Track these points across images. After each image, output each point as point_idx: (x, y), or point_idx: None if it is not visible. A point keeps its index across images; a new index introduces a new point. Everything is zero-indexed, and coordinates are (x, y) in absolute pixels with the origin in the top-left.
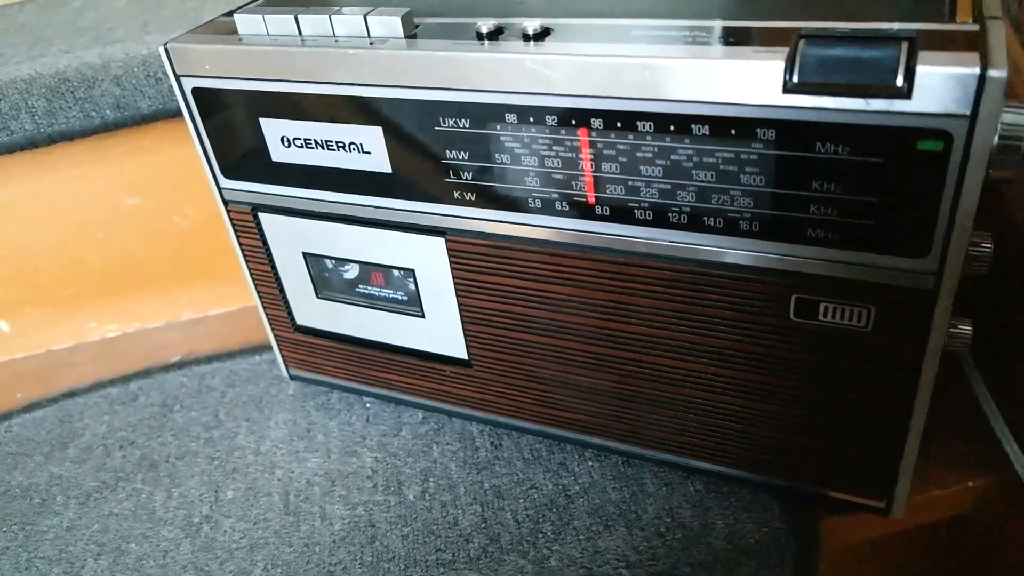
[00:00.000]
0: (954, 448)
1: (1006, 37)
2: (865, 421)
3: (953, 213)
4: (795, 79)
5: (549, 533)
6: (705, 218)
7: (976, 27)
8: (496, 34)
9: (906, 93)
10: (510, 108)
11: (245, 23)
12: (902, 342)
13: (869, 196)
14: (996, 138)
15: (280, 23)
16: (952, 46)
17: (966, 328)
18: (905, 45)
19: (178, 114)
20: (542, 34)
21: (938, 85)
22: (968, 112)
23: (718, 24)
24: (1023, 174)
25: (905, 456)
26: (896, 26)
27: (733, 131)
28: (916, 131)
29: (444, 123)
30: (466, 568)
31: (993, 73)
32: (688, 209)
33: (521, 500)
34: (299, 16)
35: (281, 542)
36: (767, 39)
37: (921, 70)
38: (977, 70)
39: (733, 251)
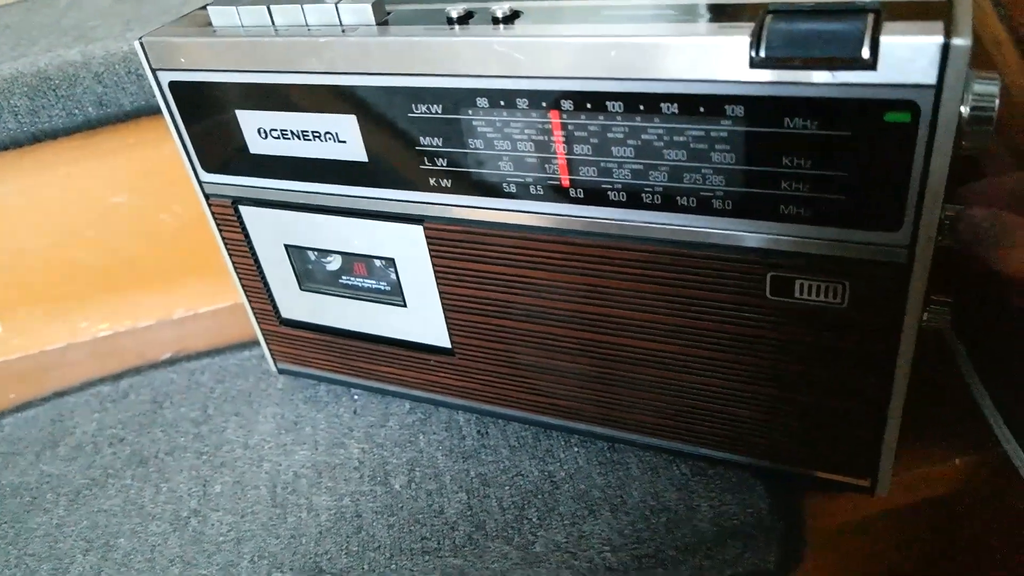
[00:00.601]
0: (941, 426)
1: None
2: (845, 399)
3: (923, 185)
4: (762, 54)
5: (534, 519)
6: (678, 198)
7: None
8: (466, 18)
9: (871, 64)
10: (481, 92)
11: (219, 15)
12: (878, 317)
13: (839, 170)
14: (967, 109)
15: (253, 14)
16: (917, 16)
17: (945, 304)
18: (871, 17)
19: (161, 110)
20: (511, 17)
21: (903, 55)
22: (933, 82)
23: (686, 2)
24: (997, 146)
25: (887, 433)
26: None
27: (702, 109)
28: (883, 103)
29: (417, 109)
30: (451, 556)
31: (957, 42)
32: (661, 189)
33: (507, 487)
34: (271, 6)
35: (268, 534)
36: (734, 15)
37: (885, 41)
38: (941, 39)
39: (707, 230)
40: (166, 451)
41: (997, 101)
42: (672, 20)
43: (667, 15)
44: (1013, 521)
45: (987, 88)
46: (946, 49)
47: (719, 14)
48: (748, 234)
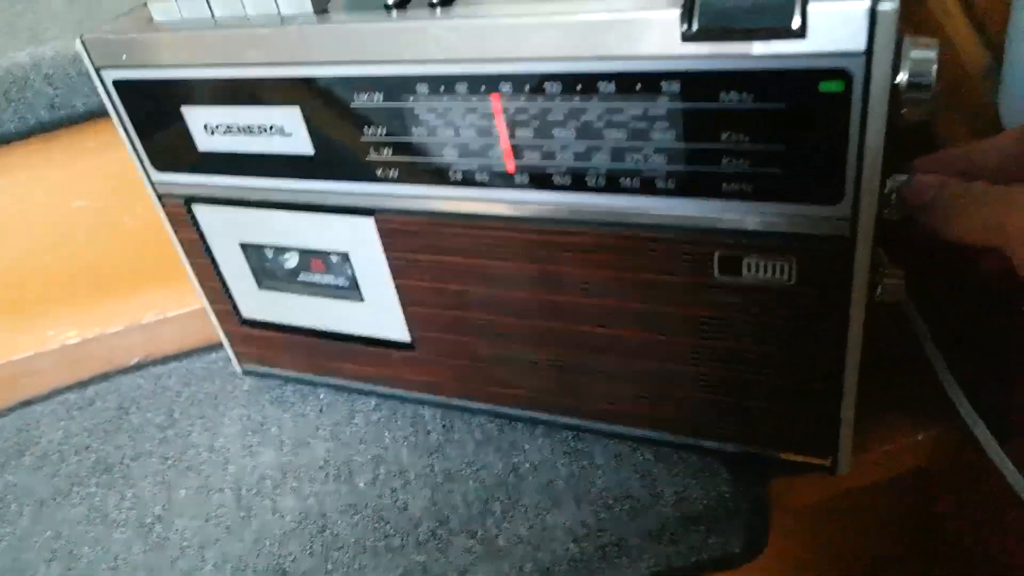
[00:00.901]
0: (904, 402)
1: None
2: (799, 377)
3: (861, 156)
4: (693, 27)
5: (498, 513)
6: (621, 179)
7: None
8: (403, 3)
9: (801, 33)
10: (420, 78)
11: (159, 9)
12: (825, 293)
13: (777, 144)
14: (905, 76)
15: (192, 6)
16: None
17: (897, 278)
18: None
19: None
20: (447, 1)
21: (832, 23)
22: (863, 49)
23: None
24: (940, 113)
25: (844, 411)
26: None
27: (638, 86)
28: (815, 72)
29: (358, 98)
30: (415, 552)
31: (884, 6)
32: (604, 171)
33: (471, 481)
34: None
35: (232, 538)
36: None
37: (813, 8)
38: (868, 4)
39: (652, 211)
40: (131, 457)
41: (935, 67)
42: None
43: None
44: (979, 497)
45: (924, 54)
46: (873, 14)
47: None
48: (692, 214)
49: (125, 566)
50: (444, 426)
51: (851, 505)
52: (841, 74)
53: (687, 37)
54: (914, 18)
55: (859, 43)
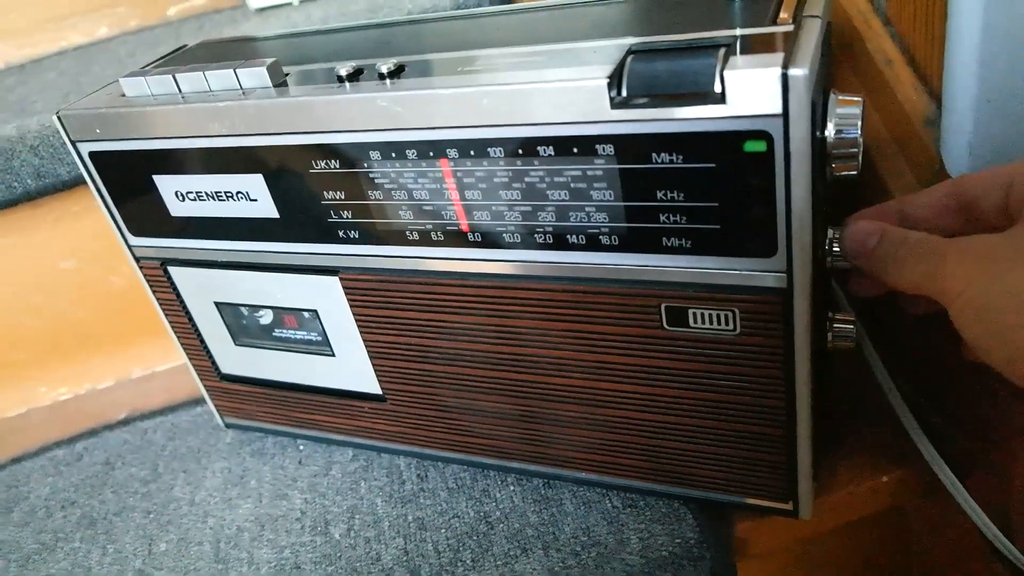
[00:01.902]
0: (866, 444)
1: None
2: (753, 424)
3: (789, 211)
4: (622, 94)
5: (468, 561)
6: (568, 236)
7: (792, 27)
8: (356, 75)
9: (722, 98)
10: (372, 146)
11: (130, 86)
12: (768, 342)
13: (710, 201)
14: (832, 132)
15: (160, 83)
16: (764, 48)
17: (848, 324)
18: (721, 51)
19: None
20: (396, 71)
21: (749, 88)
22: (779, 111)
23: (553, 48)
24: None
25: (800, 455)
26: (722, 33)
27: (575, 149)
28: (738, 134)
29: (317, 165)
30: None
31: (795, 71)
32: (551, 229)
33: (443, 530)
34: (176, 74)
35: None
36: (601, 58)
37: (730, 75)
38: (779, 70)
39: (599, 265)
40: (115, 512)
41: (860, 123)
42: (544, 66)
43: (536, 62)
44: (944, 538)
45: (848, 111)
46: (786, 79)
47: (587, 57)
48: (638, 267)
49: None
50: (419, 475)
51: (817, 549)
52: (762, 135)
53: (616, 104)
54: (856, 67)
55: (775, 106)
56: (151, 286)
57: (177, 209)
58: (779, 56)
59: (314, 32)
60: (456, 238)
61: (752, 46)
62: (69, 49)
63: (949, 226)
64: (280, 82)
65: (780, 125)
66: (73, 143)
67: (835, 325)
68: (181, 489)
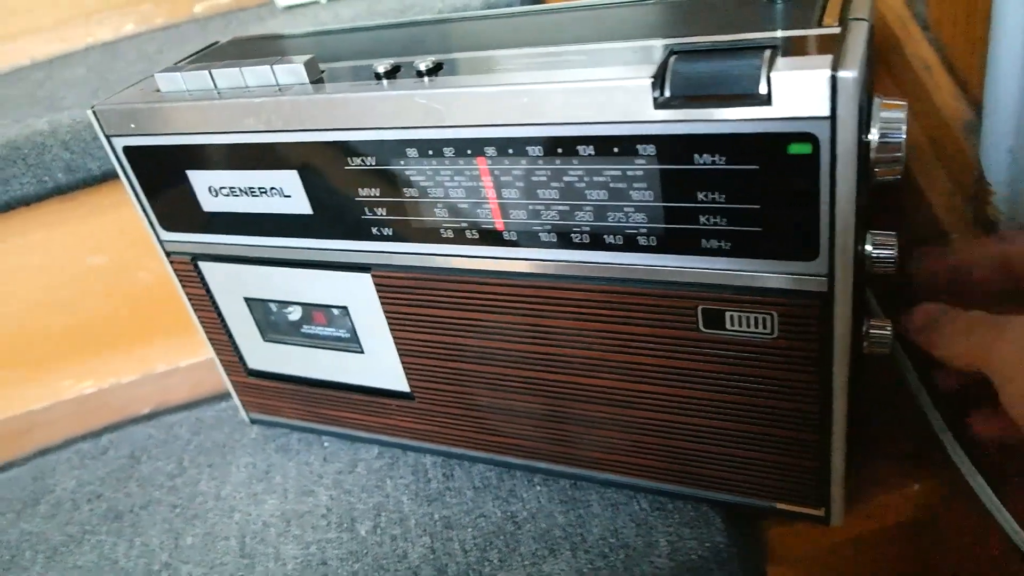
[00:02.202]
0: (899, 451)
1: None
2: (787, 428)
3: (833, 214)
4: (665, 94)
5: (495, 561)
6: (605, 236)
7: (839, 30)
8: (393, 73)
9: (767, 100)
10: (409, 143)
11: (165, 81)
12: (807, 346)
13: (752, 203)
14: (876, 136)
15: (196, 78)
16: (811, 50)
17: (884, 329)
18: (767, 53)
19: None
20: (434, 69)
21: (796, 90)
22: (827, 113)
23: (595, 47)
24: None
25: (833, 462)
26: (765, 35)
27: (616, 149)
28: (783, 136)
29: (352, 162)
30: None
31: (844, 74)
32: (588, 229)
33: (469, 529)
34: (212, 70)
35: None
36: (643, 58)
37: (777, 76)
38: (828, 72)
39: (636, 266)
40: (141, 505)
41: (904, 127)
42: (584, 65)
43: (579, 60)
44: (977, 548)
45: (893, 115)
46: (834, 81)
47: (628, 57)
48: (676, 268)
49: None
50: (445, 474)
51: (846, 555)
52: (808, 137)
53: (659, 104)
54: (894, 73)
55: (823, 108)
56: (181, 281)
57: (210, 204)
58: (827, 59)
59: (345, 30)
60: (491, 237)
61: (798, 48)
62: (96, 46)
63: (1000, 283)
64: (317, 78)
65: (827, 128)
66: (107, 138)
67: (871, 331)
68: (207, 483)
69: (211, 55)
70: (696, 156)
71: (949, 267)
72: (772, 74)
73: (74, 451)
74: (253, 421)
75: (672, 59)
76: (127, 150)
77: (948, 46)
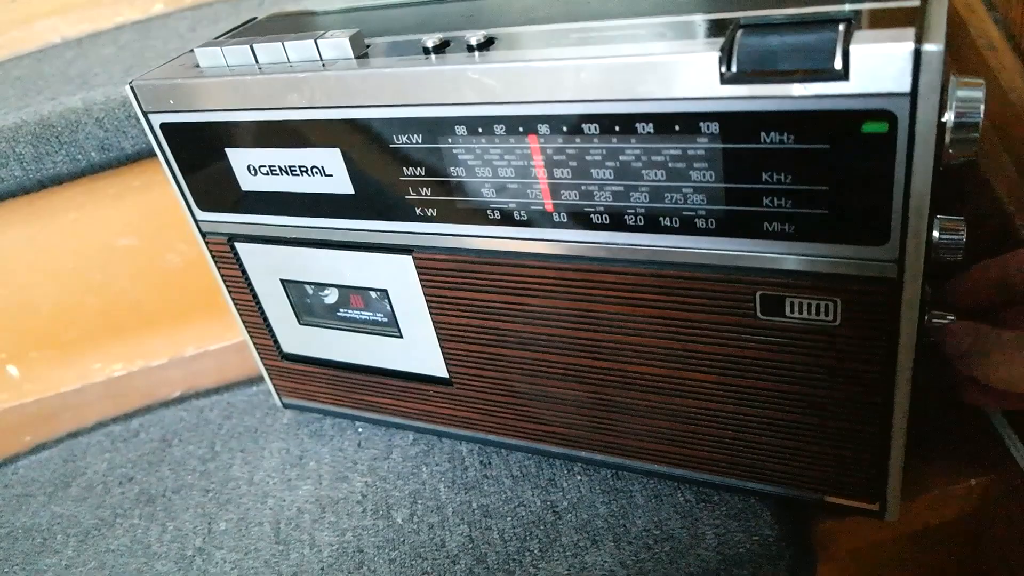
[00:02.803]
0: (955, 446)
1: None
2: (846, 420)
3: (907, 197)
4: (732, 69)
5: (536, 551)
6: (661, 218)
7: (917, 2)
8: (442, 47)
9: (844, 75)
10: (459, 120)
11: (205, 56)
12: (872, 334)
13: (820, 184)
14: (951, 116)
15: (237, 53)
16: (890, 24)
17: (946, 319)
18: (842, 27)
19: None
20: (486, 44)
21: (875, 64)
22: (908, 90)
23: (655, 20)
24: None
25: (892, 455)
26: (836, 8)
27: (677, 127)
28: (859, 113)
29: (398, 140)
30: None
31: (929, 47)
32: (643, 210)
33: (509, 518)
34: (254, 45)
35: (270, 571)
36: (706, 31)
37: (856, 50)
38: (912, 46)
39: (692, 250)
40: (173, 489)
41: (982, 107)
42: (643, 39)
43: (638, 35)
44: None
45: (970, 94)
46: (918, 55)
47: (690, 31)
48: (734, 252)
49: None
50: (482, 462)
51: (898, 550)
52: (885, 115)
53: (726, 79)
54: (958, 53)
55: (904, 84)
56: (216, 263)
57: (248, 183)
58: (910, 31)
59: (386, 6)
60: (539, 218)
61: (875, 20)
62: (126, 25)
63: None
64: (361, 54)
65: (906, 105)
66: (145, 114)
67: (933, 320)
68: (239, 468)
69: (250, 31)
70: (763, 134)
71: (992, 281)
72: (851, 47)
73: (105, 434)
74: (286, 406)
75: (740, 32)
76: (165, 127)
77: (1014, 25)
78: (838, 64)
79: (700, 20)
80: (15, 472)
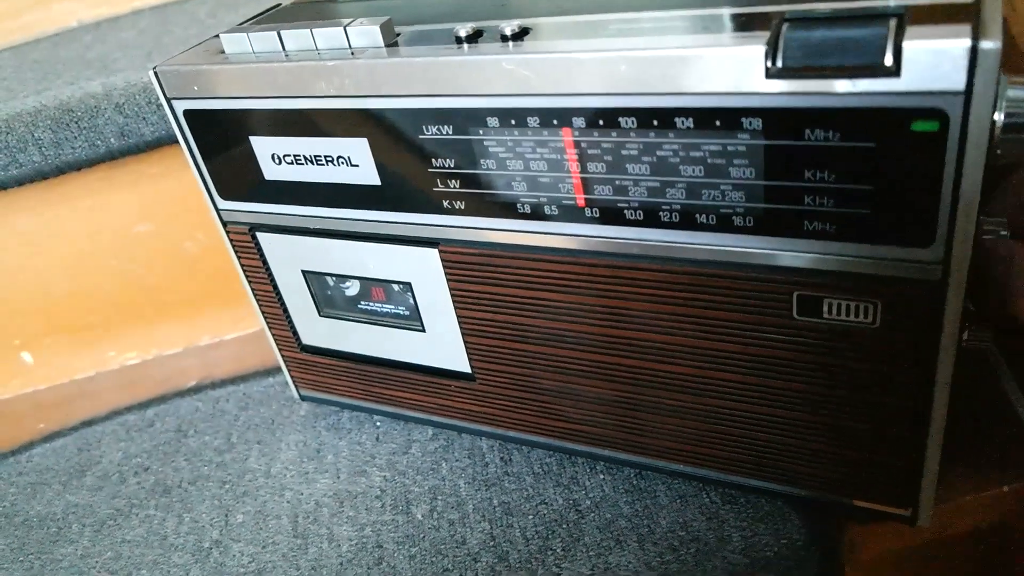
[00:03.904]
0: (987, 451)
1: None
2: (881, 423)
3: (956, 198)
4: (778, 64)
5: (558, 550)
6: (697, 215)
7: None
8: (475, 37)
9: (895, 71)
10: (491, 111)
11: (231, 42)
12: (913, 338)
13: (865, 184)
14: (1001, 116)
15: (264, 40)
16: (943, 19)
17: (986, 321)
18: (893, 22)
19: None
20: (520, 34)
21: (928, 61)
22: (962, 88)
23: (695, 12)
24: None
25: (927, 460)
26: (882, 3)
27: (718, 122)
28: (909, 111)
29: (427, 131)
30: None
31: (986, 44)
32: (679, 207)
33: (530, 516)
34: (281, 32)
35: (289, 565)
36: (749, 24)
37: (909, 46)
38: (968, 42)
39: (728, 248)
40: (189, 480)
41: None
42: (684, 32)
43: (679, 27)
44: None
45: (1021, 93)
46: (974, 52)
47: (733, 23)
48: (772, 252)
49: None
50: (502, 458)
51: (928, 557)
52: (937, 114)
53: (772, 74)
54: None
55: (958, 82)
56: (237, 252)
57: (272, 173)
58: (966, 27)
59: None
60: (570, 213)
61: (926, 16)
62: (143, 9)
63: None
64: (392, 42)
65: (959, 104)
66: (169, 100)
67: (970, 324)
68: (256, 460)
69: (275, 17)
70: (807, 131)
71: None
72: (904, 43)
73: (119, 423)
74: (303, 398)
75: (785, 26)
76: (188, 114)
77: None
78: (888, 60)
79: (742, 13)
80: (29, 460)
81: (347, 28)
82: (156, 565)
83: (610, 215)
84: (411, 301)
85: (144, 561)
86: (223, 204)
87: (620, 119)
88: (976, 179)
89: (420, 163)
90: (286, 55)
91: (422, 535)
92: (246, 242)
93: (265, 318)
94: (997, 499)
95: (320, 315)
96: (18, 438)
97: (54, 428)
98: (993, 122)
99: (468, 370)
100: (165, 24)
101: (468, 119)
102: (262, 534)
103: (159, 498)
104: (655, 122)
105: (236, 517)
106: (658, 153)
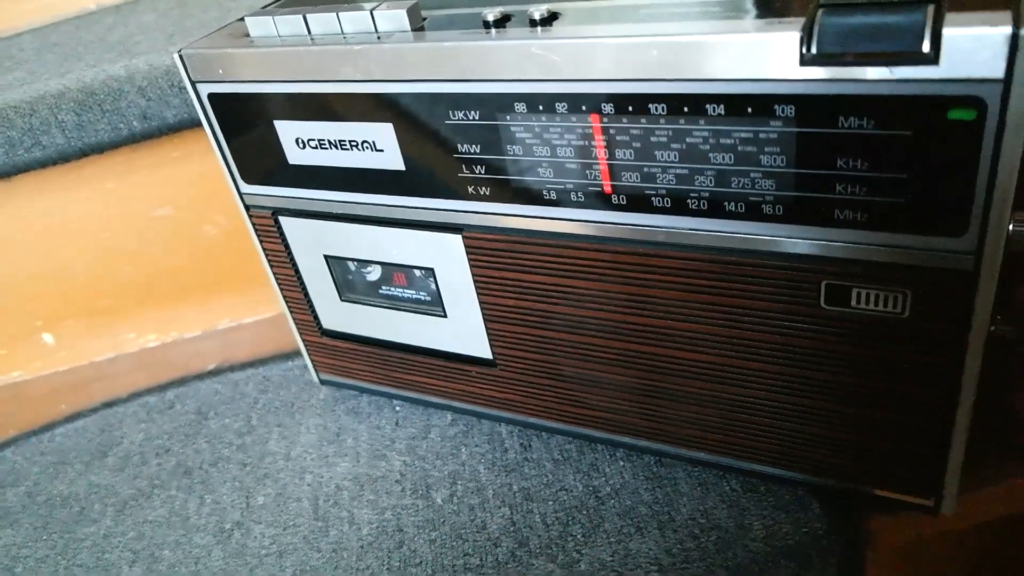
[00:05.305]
0: (1011, 442)
1: None
2: (907, 414)
3: (991, 187)
4: (813, 50)
5: (579, 536)
6: (726, 203)
7: None
8: (503, 21)
9: (932, 59)
10: (519, 97)
11: (256, 25)
12: (942, 328)
13: (899, 172)
14: None
15: (289, 23)
16: (982, 5)
17: (1017, 312)
18: (931, 8)
19: (201, 122)
20: (549, 19)
21: (967, 48)
22: (1001, 76)
23: None
24: None
25: (952, 450)
26: None
27: (750, 109)
28: (946, 99)
29: (454, 116)
30: (494, 572)
31: None
32: (707, 194)
33: (550, 502)
34: (307, 15)
35: (310, 548)
36: (783, 10)
37: (948, 33)
38: (1009, 29)
39: (757, 237)
40: (210, 462)
41: None
42: (716, 17)
43: (711, 12)
44: None
45: None
46: (1015, 40)
47: (766, 9)
48: (801, 240)
49: (206, 571)
50: (522, 444)
51: (950, 547)
52: (974, 102)
53: (806, 61)
54: None
55: (997, 70)
56: (259, 236)
57: (296, 157)
58: (1007, 14)
59: None
60: (597, 200)
61: (966, 2)
62: None
63: None
64: (418, 26)
65: (998, 92)
66: (193, 83)
67: (998, 315)
68: (276, 443)
69: (299, 0)
70: (841, 119)
71: None
72: (944, 30)
73: (140, 404)
74: (323, 382)
75: (820, 11)
76: (213, 97)
77: None
78: (926, 47)
79: None
80: (52, 440)
81: (373, 12)
82: (178, 545)
83: (637, 202)
84: (433, 287)
85: (166, 541)
86: (246, 188)
87: (650, 105)
88: (1013, 168)
89: (445, 149)
90: (312, 39)
91: (442, 519)
92: (268, 226)
93: (286, 302)
94: (1020, 490)
95: (341, 300)
96: (40, 419)
97: (75, 409)
98: None
99: (489, 356)
100: (185, 7)
101: (495, 104)
102: (283, 516)
103: (180, 479)
104: (685, 108)
105: (257, 499)
106: (688, 140)
